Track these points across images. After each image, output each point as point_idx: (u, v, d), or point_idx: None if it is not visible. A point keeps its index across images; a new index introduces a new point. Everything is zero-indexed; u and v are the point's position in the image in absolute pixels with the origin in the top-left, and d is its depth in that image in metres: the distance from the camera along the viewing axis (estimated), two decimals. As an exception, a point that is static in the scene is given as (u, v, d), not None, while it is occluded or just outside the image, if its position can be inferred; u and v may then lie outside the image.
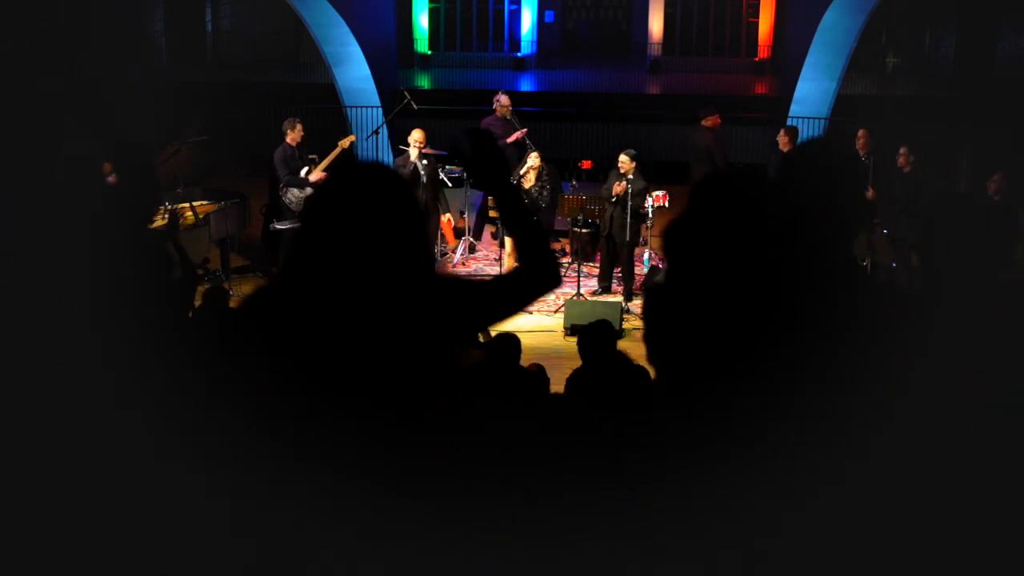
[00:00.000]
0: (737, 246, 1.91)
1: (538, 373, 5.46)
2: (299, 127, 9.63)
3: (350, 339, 1.85)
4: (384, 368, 1.85)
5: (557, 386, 5.38)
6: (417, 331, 1.88)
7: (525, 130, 10.61)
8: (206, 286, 7.91)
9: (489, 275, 3.94)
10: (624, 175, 9.20)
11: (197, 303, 5.56)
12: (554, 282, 2.09)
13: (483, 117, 10.95)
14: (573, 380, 5.07)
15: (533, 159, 9.53)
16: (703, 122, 10.57)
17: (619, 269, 9.67)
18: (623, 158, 9.24)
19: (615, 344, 5.27)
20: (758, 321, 1.87)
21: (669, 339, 1.99)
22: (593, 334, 5.18)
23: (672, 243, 2.04)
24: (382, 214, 1.91)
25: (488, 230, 11.00)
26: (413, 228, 1.96)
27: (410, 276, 1.90)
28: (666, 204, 9.62)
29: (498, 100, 10.85)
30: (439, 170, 9.94)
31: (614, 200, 9.22)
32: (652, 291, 2.13)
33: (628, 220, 9.17)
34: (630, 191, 9.13)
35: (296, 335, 1.85)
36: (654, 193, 9.59)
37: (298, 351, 1.84)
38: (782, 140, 10.13)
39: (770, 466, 1.83)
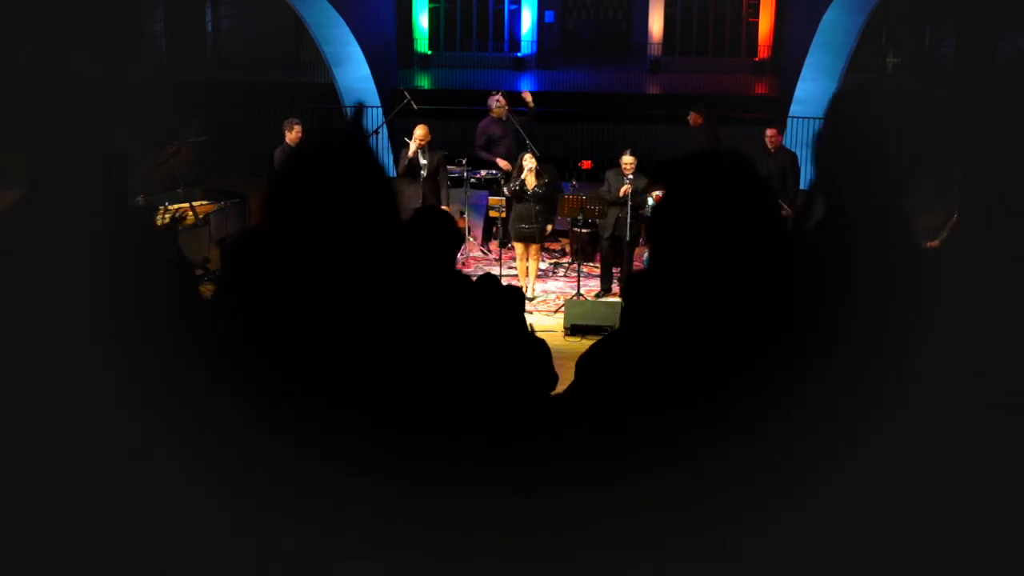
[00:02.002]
0: (722, 230, 1.85)
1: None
2: (298, 128, 9.63)
3: (349, 332, 1.84)
4: (384, 363, 1.85)
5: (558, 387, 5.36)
6: (425, 322, 1.86)
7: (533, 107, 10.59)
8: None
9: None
10: (627, 175, 9.29)
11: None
12: None
13: (482, 118, 10.92)
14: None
15: (529, 161, 9.47)
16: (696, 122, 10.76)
17: (618, 269, 9.68)
18: (628, 159, 9.31)
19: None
20: (756, 313, 1.84)
21: (655, 329, 1.94)
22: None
23: (655, 227, 2.00)
24: (348, 190, 1.83)
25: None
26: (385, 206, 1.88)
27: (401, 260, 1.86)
28: None
29: (496, 101, 10.73)
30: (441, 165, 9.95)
31: (619, 201, 9.28)
32: (634, 277, 2.09)
33: (631, 220, 9.25)
34: (636, 190, 9.24)
35: (293, 328, 1.85)
36: (654, 192, 9.60)
37: (296, 346, 1.84)
38: (770, 139, 10.01)
39: (770, 465, 1.83)
